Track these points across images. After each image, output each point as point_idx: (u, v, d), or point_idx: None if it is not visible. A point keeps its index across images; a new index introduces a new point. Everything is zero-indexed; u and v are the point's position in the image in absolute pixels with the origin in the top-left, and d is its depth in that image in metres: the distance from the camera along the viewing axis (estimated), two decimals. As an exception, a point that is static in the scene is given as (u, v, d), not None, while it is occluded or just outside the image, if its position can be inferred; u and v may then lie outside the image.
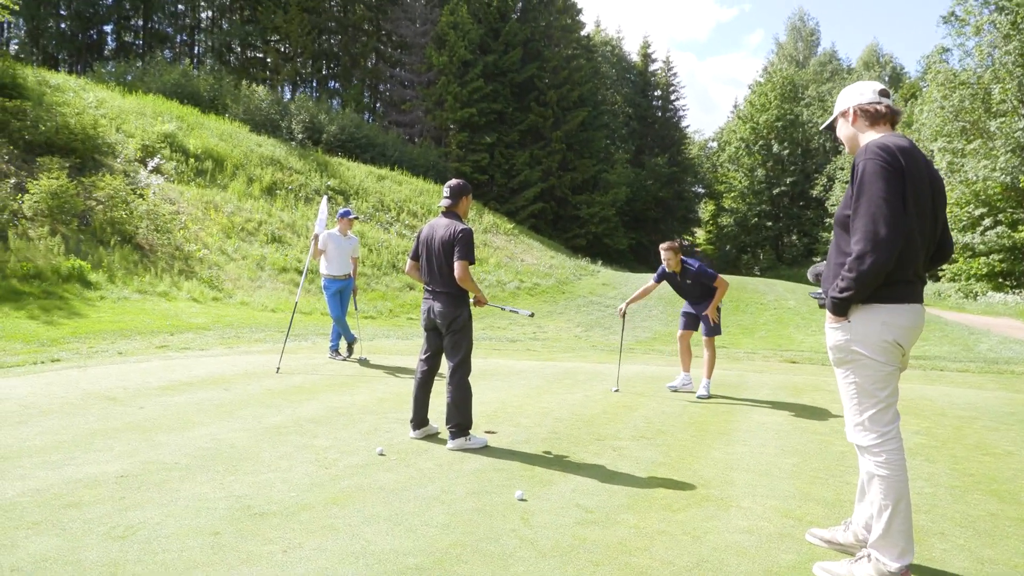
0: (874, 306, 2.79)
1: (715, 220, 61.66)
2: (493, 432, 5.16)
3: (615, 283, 27.78)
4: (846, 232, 2.84)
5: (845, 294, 2.78)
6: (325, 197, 9.06)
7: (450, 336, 4.78)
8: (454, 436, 4.71)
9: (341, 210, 8.76)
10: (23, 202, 14.59)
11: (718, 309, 7.05)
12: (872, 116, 2.96)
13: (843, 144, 3.10)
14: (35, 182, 14.88)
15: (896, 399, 2.85)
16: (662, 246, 7.06)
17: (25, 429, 4.75)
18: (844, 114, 3.05)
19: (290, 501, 3.53)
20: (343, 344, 9.03)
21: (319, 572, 2.76)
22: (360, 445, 4.67)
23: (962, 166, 29.65)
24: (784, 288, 26.66)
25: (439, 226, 4.84)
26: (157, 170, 20.13)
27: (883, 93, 2.97)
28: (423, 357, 4.98)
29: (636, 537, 3.20)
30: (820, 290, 3.05)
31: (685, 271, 6.96)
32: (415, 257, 5.00)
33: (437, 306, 4.77)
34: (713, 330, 7.03)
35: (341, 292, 8.65)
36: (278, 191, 23.84)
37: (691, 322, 7.23)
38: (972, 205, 30.14)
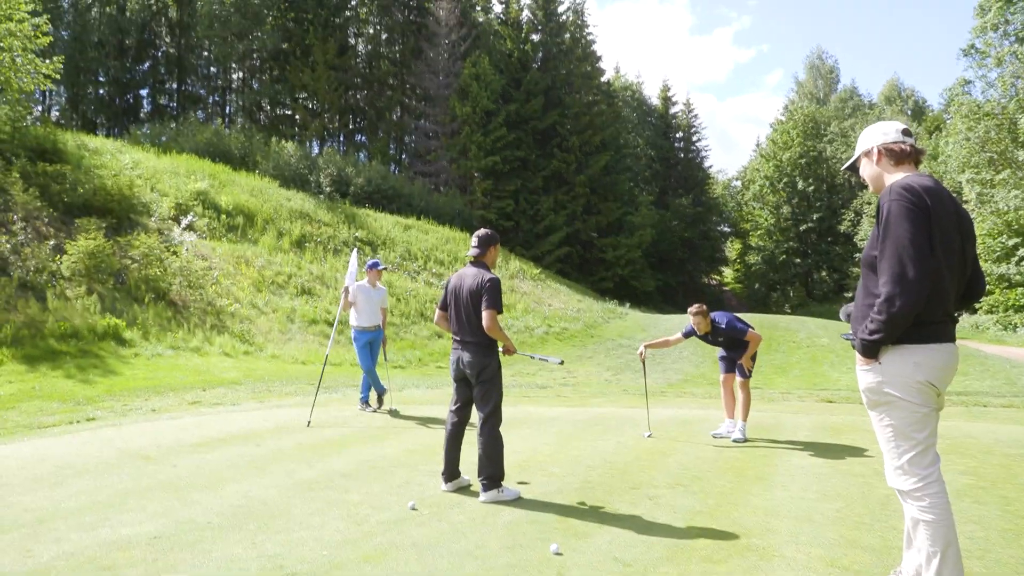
0: (905, 347, 2.75)
1: (742, 258, 61.25)
2: (526, 483, 5.09)
3: (644, 325, 27.57)
4: (873, 273, 2.81)
5: (875, 336, 2.75)
6: (355, 250, 9.19)
7: (480, 386, 4.75)
8: (486, 488, 4.64)
9: (370, 261, 8.86)
10: (61, 263, 15.01)
11: (752, 358, 6.98)
12: (896, 155, 2.95)
13: (867, 182, 3.08)
14: (73, 243, 15.33)
15: (935, 440, 2.77)
16: (690, 310, 7.07)
17: (60, 491, 4.79)
18: (868, 153, 3.04)
19: (322, 560, 3.50)
20: (373, 395, 9.03)
21: (352, 634, 2.71)
22: (392, 500, 4.63)
23: (992, 196, 29.25)
24: (816, 325, 26.21)
25: (467, 275, 4.86)
26: (190, 227, 20.63)
27: (906, 132, 2.97)
28: (453, 408, 4.95)
29: (676, 592, 3.10)
30: (851, 331, 3.00)
31: (715, 330, 6.95)
32: (443, 307, 5.01)
33: (466, 356, 4.77)
34: (743, 374, 6.97)
35: (371, 343, 8.69)
36: (307, 244, 24.25)
37: (731, 365, 7.12)
38: (1005, 235, 29.60)
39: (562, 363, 5.45)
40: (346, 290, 8.53)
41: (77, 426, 7.70)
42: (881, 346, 2.78)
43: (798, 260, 55.17)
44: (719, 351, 7.24)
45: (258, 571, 3.34)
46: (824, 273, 54.73)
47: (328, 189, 31.60)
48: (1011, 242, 29.34)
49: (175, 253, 18.39)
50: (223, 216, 22.71)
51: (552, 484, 5.06)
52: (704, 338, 7.07)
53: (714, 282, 63.87)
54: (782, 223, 55.35)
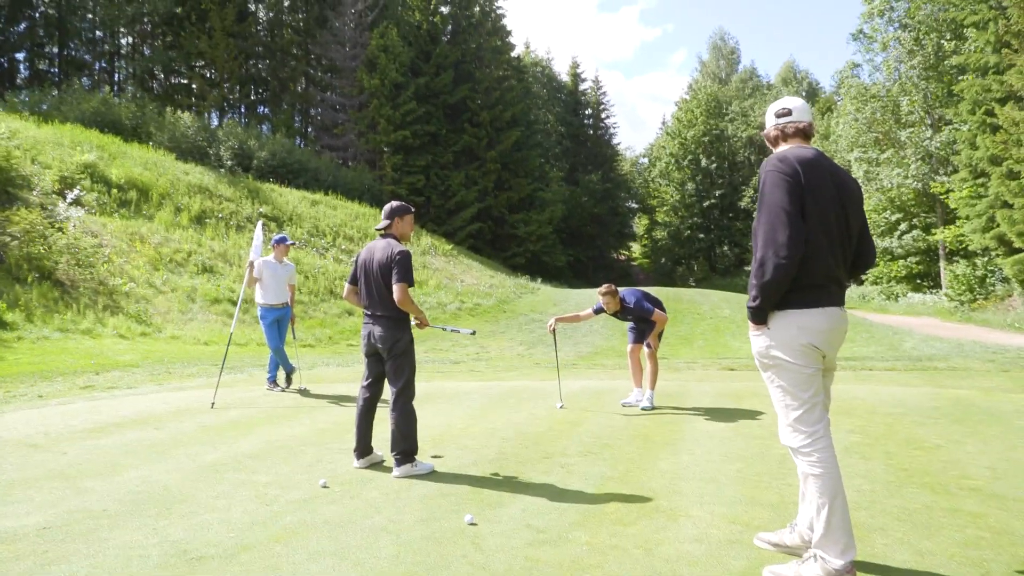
0: (789, 312, 2.91)
1: (649, 234, 62.99)
2: (440, 456, 5.08)
3: (555, 300, 27.98)
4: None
5: (756, 302, 2.92)
6: (260, 223, 8.84)
7: (392, 361, 4.69)
8: (400, 463, 4.60)
9: (276, 236, 8.55)
10: (-71, 240, 13.76)
11: (659, 336, 7.23)
12: (774, 139, 3.15)
13: None
14: (-58, 219, 14.06)
15: (820, 399, 2.94)
16: (599, 290, 7.24)
17: (-65, 483, 4.42)
18: (767, 138, 3.20)
19: (229, 542, 3.38)
20: (281, 375, 8.77)
21: (262, 615, 2.63)
22: (302, 479, 4.52)
23: (877, 174, 31.17)
24: (719, 297, 27.34)
25: (377, 248, 4.76)
26: (77, 202, 19.28)
27: (781, 113, 3.12)
28: (365, 384, 4.87)
29: (589, 554, 3.18)
30: None
31: (624, 308, 7.15)
32: (353, 281, 4.89)
33: (377, 330, 4.68)
34: (644, 339, 7.28)
35: (279, 321, 8.42)
36: (208, 220, 23.18)
37: (639, 336, 7.32)
38: (888, 211, 31.69)
39: (474, 333, 5.46)
40: (251, 265, 8.21)
41: (-48, 416, 7.11)
42: (766, 312, 2.93)
43: (702, 235, 57.24)
44: (628, 323, 7.43)
45: (160, 557, 3.19)
46: (726, 248, 57.07)
47: (229, 163, 30.29)
48: (894, 217, 31.43)
49: (61, 229, 17.17)
50: (114, 191, 21.36)
51: (466, 457, 5.07)
52: (614, 315, 7.25)
53: (623, 257, 65.40)
54: (687, 199, 57.21)
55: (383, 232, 4.87)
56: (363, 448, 4.83)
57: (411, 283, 4.64)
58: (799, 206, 2.83)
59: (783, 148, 3.07)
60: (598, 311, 7.34)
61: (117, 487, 4.33)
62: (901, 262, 30.96)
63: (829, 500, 2.82)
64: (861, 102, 32.46)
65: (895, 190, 30.59)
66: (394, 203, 4.93)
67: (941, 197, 28.03)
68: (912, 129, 30.32)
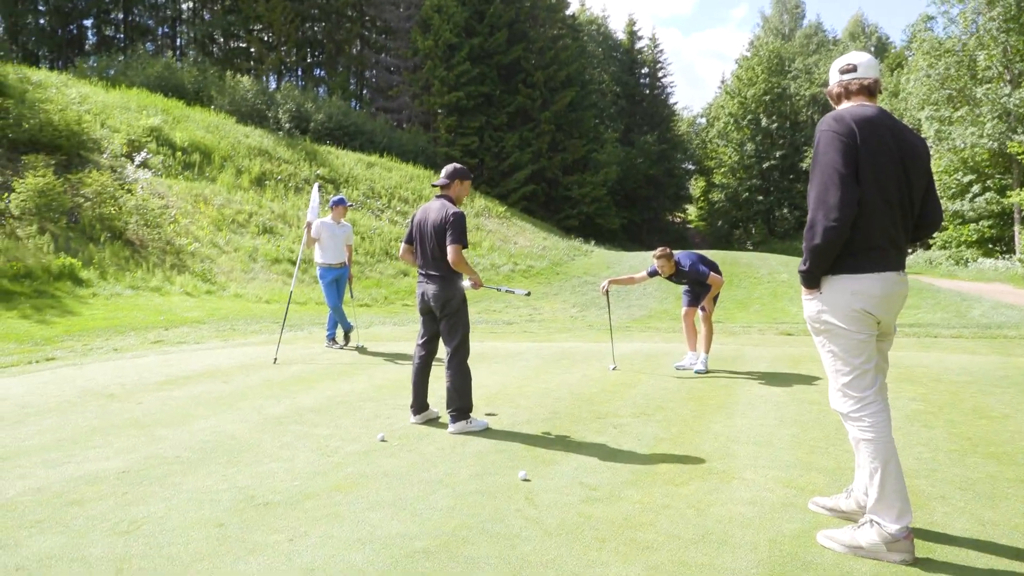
0: (842, 276, 2.84)
1: (706, 196, 61.68)
2: (494, 414, 5.17)
3: (609, 263, 27.81)
4: None
5: (807, 265, 2.86)
6: (316, 185, 9.00)
7: (446, 320, 4.77)
8: (455, 420, 4.71)
9: (334, 198, 8.70)
10: (10, 201, 14.46)
11: (714, 299, 7.15)
12: (837, 96, 3.03)
13: None
14: (21, 180, 14.74)
15: (872, 365, 2.87)
16: (654, 254, 7.09)
17: (23, 429, 4.73)
18: (829, 95, 3.10)
19: (294, 490, 3.53)
20: (340, 332, 9.00)
21: (326, 559, 2.77)
22: (361, 432, 4.67)
23: (949, 134, 29.69)
24: (777, 262, 26.73)
25: (432, 209, 4.80)
26: (144, 164, 19.96)
27: (846, 69, 3.00)
28: (420, 342, 4.96)
29: (641, 512, 3.22)
30: None
31: (679, 271, 7.03)
32: (409, 240, 4.96)
33: (431, 289, 4.75)
34: (701, 302, 7.18)
35: (337, 280, 8.61)
36: (267, 182, 23.70)
37: (694, 299, 7.23)
38: (960, 172, 30.21)
39: (528, 294, 5.49)
40: (308, 226, 8.40)
41: (36, 366, 7.56)
42: (818, 276, 2.87)
43: (760, 198, 55.77)
44: (683, 286, 7.35)
45: (230, 502, 3.36)
46: (786, 210, 55.52)
47: (287, 125, 30.77)
48: (966, 179, 29.97)
49: (130, 191, 17.83)
50: (178, 153, 22.01)
51: (520, 415, 5.15)
52: (668, 278, 7.16)
53: (678, 220, 64.39)
54: (746, 160, 55.66)
55: (440, 191, 4.90)
56: (419, 404, 4.95)
57: (465, 244, 4.67)
58: (853, 167, 2.74)
59: (844, 106, 2.96)
60: (652, 274, 7.24)
61: (189, 436, 4.55)
62: (972, 226, 29.59)
63: (882, 465, 2.78)
64: (934, 57, 30.79)
65: (968, 150, 29.08)
66: (456, 165, 4.95)
67: (1019, 157, 26.58)
68: (989, 85, 28.67)
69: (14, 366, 7.61)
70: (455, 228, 4.63)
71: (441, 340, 4.90)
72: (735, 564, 2.71)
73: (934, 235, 30.65)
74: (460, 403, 4.69)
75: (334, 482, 3.66)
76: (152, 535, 2.98)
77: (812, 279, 2.89)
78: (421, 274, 4.85)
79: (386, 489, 3.55)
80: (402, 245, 5.02)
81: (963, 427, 4.67)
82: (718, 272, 7.10)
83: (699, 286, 7.12)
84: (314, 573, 2.65)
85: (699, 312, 7.13)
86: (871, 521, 2.80)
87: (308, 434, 4.62)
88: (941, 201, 3.16)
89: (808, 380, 6.39)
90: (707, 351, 6.99)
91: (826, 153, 2.78)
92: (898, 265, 2.89)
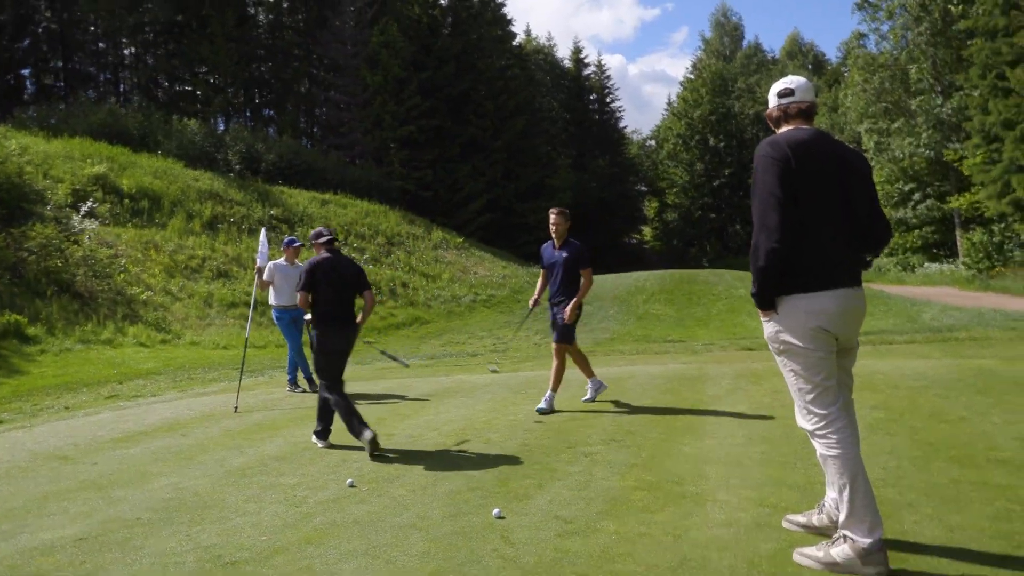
0: (795, 296, 2.91)
1: (660, 216, 62.67)
2: (464, 452, 5.10)
3: (569, 287, 27.92)
4: None
5: (757, 287, 2.94)
6: (264, 229, 8.90)
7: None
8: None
9: (286, 239, 8.62)
10: (-51, 259, 13.95)
11: (579, 309, 6.42)
12: (776, 119, 3.12)
13: None
14: (-40, 237, 14.24)
15: (832, 382, 2.93)
16: (552, 211, 6.49)
17: (-29, 500, 4.50)
18: (769, 118, 3.19)
19: (262, 546, 3.43)
20: (300, 376, 8.84)
21: (299, 617, 2.67)
22: (329, 479, 4.57)
23: (888, 144, 30.84)
24: (732, 277, 27.20)
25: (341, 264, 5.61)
26: (91, 214, 19.46)
27: (783, 93, 3.09)
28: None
29: (618, 543, 3.20)
30: None
31: (567, 243, 6.49)
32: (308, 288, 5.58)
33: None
34: (564, 335, 6.44)
35: (295, 321, 8.48)
36: (220, 225, 23.32)
37: (565, 331, 6.50)
38: (901, 181, 31.36)
39: (408, 366, 6.00)
40: (259, 271, 8.32)
41: (-18, 432, 7.23)
42: (769, 297, 2.94)
43: (713, 215, 56.92)
44: (553, 288, 6.57)
45: (195, 563, 3.24)
46: (738, 226, 56.68)
47: (238, 167, 30.41)
48: (907, 187, 31.10)
49: (76, 242, 17.34)
50: (126, 200, 21.53)
51: (491, 449, 5.10)
52: (552, 260, 6.52)
53: (634, 241, 65.19)
54: (696, 180, 56.87)
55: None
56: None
57: (308, 290, 5.45)
58: (790, 190, 2.83)
59: (782, 130, 3.06)
60: (545, 263, 6.65)
61: (148, 495, 4.39)
62: (916, 232, 30.69)
63: (850, 480, 2.82)
64: (869, 72, 32.10)
65: (907, 160, 30.27)
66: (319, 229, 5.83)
67: (954, 164, 27.69)
68: (922, 97, 29.95)
69: (-41, 432, 7.26)
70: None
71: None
72: (715, 590, 2.70)
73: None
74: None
75: (304, 534, 3.56)
76: (114, 606, 2.84)
77: (764, 301, 2.96)
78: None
79: (358, 537, 3.47)
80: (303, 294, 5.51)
81: (924, 433, 4.77)
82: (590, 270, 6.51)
83: (564, 286, 6.41)
84: (288, 634, 2.56)
85: (553, 344, 6.53)
86: (844, 536, 2.83)
87: (274, 484, 4.50)
88: (885, 211, 3.24)
89: (772, 395, 6.47)
90: (555, 389, 6.45)
91: (763, 178, 2.87)
92: (851, 281, 2.96)
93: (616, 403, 6.61)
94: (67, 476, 4.99)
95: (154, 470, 5.03)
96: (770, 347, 3.07)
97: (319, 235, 5.71)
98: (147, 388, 9.97)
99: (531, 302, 7.02)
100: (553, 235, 6.57)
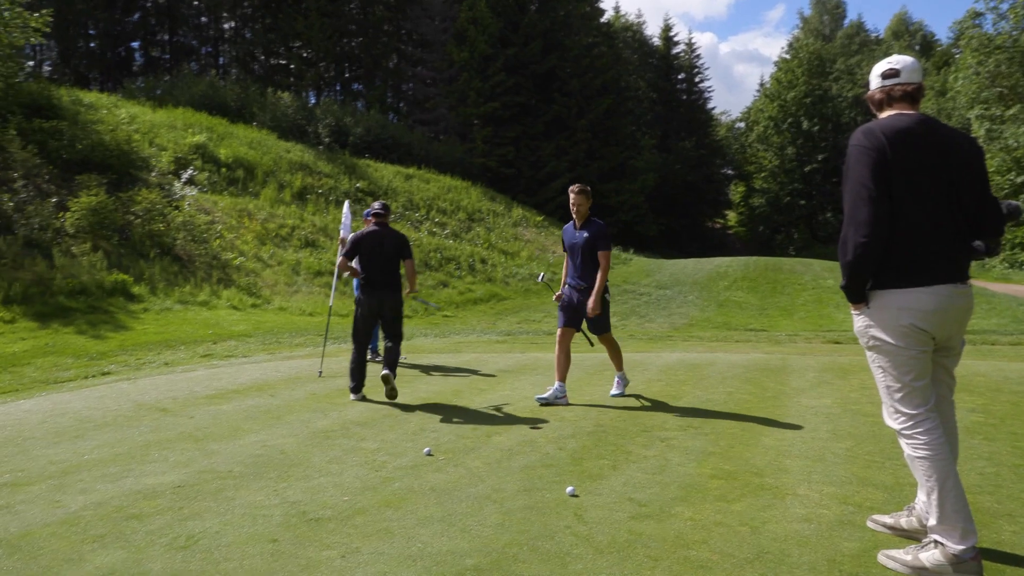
0: (889, 291, 2.77)
1: (746, 201, 60.74)
2: (539, 427, 5.14)
3: (648, 270, 27.58)
4: None
5: (844, 282, 2.82)
6: (347, 202, 9.13)
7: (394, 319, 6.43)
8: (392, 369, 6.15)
9: (366, 211, 8.84)
10: (65, 220, 14.97)
11: (605, 299, 5.98)
12: (879, 103, 2.94)
13: None
14: (75, 200, 15.26)
15: (923, 383, 2.78)
16: (572, 188, 6.09)
17: (82, 443, 4.87)
18: (871, 101, 3.01)
19: (344, 505, 3.57)
20: (382, 345, 9.07)
21: (379, 576, 2.78)
22: (408, 446, 4.70)
23: (1001, 133, 28.82)
24: (821, 267, 26.18)
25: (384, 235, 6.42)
26: (191, 181, 20.50)
27: (888, 74, 2.89)
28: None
29: (693, 530, 3.17)
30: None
31: (589, 223, 6.09)
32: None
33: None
34: (599, 327, 6.04)
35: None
36: (309, 196, 24.11)
37: (572, 318, 6.06)
38: (1013, 172, 29.27)
39: (440, 309, 6.20)
40: (342, 242, 8.55)
41: (92, 380, 7.79)
42: (858, 291, 2.81)
43: (803, 202, 54.73)
44: (563, 289, 6.22)
45: (282, 517, 3.41)
46: (829, 214, 54.38)
47: (327, 140, 31.24)
48: (1020, 179, 29.03)
49: (177, 208, 18.32)
50: (223, 170, 22.54)
51: (565, 429, 5.12)
52: (573, 241, 6.12)
53: (718, 225, 63.56)
54: (786, 164, 54.72)
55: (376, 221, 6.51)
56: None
57: (348, 257, 6.39)
58: (883, 183, 2.68)
59: (883, 115, 2.89)
60: (568, 245, 6.23)
61: (240, 450, 4.64)
62: (1027, 227, 28.60)
63: (939, 483, 2.69)
64: (984, 54, 29.94)
65: (1022, 149, 28.18)
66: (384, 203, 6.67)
67: (1075, 155, 25.65)
68: (1043, 82, 27.78)
69: (71, 380, 7.86)
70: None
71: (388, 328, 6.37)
72: (793, 585, 2.64)
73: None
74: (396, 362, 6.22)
75: (383, 497, 3.68)
76: (208, 551, 3.03)
77: (854, 295, 2.83)
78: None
79: (435, 505, 3.56)
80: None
81: (1027, 440, 4.50)
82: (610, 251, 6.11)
83: (585, 268, 6.02)
84: (368, 590, 2.67)
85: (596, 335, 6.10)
86: (935, 541, 2.72)
87: (355, 448, 4.66)
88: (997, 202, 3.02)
89: (860, 391, 6.23)
90: (620, 368, 6.29)
91: (855, 169, 2.74)
92: (955, 277, 2.78)
93: (694, 389, 6.51)
94: (167, 427, 5.32)
95: (245, 427, 5.30)
96: (860, 341, 2.95)
97: (368, 212, 6.78)
98: (239, 349, 10.47)
99: (555, 297, 6.30)
100: (574, 214, 6.13)
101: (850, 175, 2.76)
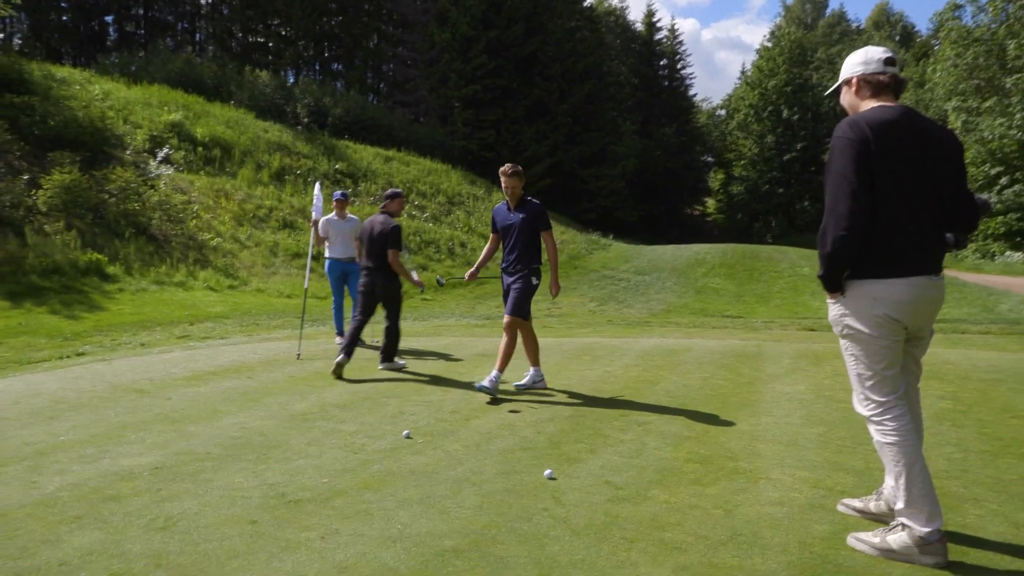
0: (865, 281, 2.81)
1: (725, 189, 61.11)
2: (517, 412, 5.18)
3: (627, 256, 27.71)
4: None
5: (822, 272, 2.86)
6: (317, 183, 9.05)
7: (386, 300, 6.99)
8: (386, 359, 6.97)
9: (335, 193, 8.78)
10: (37, 197, 14.68)
11: (532, 283, 5.83)
12: (874, 87, 2.93)
13: (847, 110, 3.06)
14: (48, 177, 14.95)
15: (894, 371, 2.85)
16: (502, 170, 5.88)
17: (58, 424, 4.83)
18: (848, 83, 3.01)
19: (323, 487, 3.58)
20: (347, 326, 9.09)
21: (358, 557, 2.80)
22: (387, 429, 4.71)
23: (977, 125, 29.24)
24: (798, 255, 26.48)
25: (376, 222, 6.89)
26: (167, 160, 20.16)
27: (889, 62, 2.92)
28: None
29: (668, 512, 3.23)
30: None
31: (524, 203, 5.93)
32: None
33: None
34: (516, 308, 5.74)
35: (346, 275, 8.69)
36: (287, 176, 23.85)
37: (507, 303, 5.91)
38: (988, 164, 29.76)
39: (442, 283, 7.81)
40: (314, 223, 8.51)
41: (67, 361, 7.70)
42: (835, 281, 2.85)
43: (781, 190, 55.13)
44: (505, 251, 6.02)
45: (261, 499, 3.42)
46: (807, 203, 54.81)
47: (306, 120, 30.86)
48: (994, 171, 29.52)
49: (153, 187, 18.02)
50: (199, 149, 22.20)
51: (543, 412, 5.17)
52: (508, 222, 5.93)
53: (697, 212, 63.94)
54: (766, 152, 55.06)
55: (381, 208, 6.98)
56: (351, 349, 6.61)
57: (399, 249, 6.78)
58: (866, 176, 2.70)
59: (865, 103, 2.91)
60: (497, 227, 6.09)
61: (218, 432, 4.62)
62: (1000, 218, 29.14)
63: (906, 468, 2.75)
64: (962, 46, 30.31)
65: (996, 141, 28.64)
66: (394, 189, 7.11)
67: (1048, 148, 26.11)
68: (1019, 75, 28.17)
69: (46, 361, 7.76)
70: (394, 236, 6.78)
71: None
72: (765, 566, 2.71)
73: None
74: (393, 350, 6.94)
75: (363, 479, 3.70)
76: (187, 532, 3.03)
77: (830, 284, 2.88)
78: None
79: (414, 487, 3.59)
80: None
81: (994, 427, 4.62)
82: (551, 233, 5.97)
83: (521, 250, 5.84)
84: (347, 571, 2.69)
85: (505, 317, 5.85)
86: (902, 524, 2.79)
87: (334, 430, 4.67)
88: (973, 196, 3.06)
89: (833, 378, 6.34)
90: (535, 363, 6.05)
91: (838, 160, 2.76)
92: (930, 269, 2.83)
93: (671, 374, 6.58)
94: (144, 408, 5.28)
95: (223, 408, 5.28)
96: (834, 330, 3.00)
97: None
98: (216, 331, 10.39)
99: (467, 275, 6.30)
100: (507, 196, 5.96)
101: (833, 166, 2.78)
